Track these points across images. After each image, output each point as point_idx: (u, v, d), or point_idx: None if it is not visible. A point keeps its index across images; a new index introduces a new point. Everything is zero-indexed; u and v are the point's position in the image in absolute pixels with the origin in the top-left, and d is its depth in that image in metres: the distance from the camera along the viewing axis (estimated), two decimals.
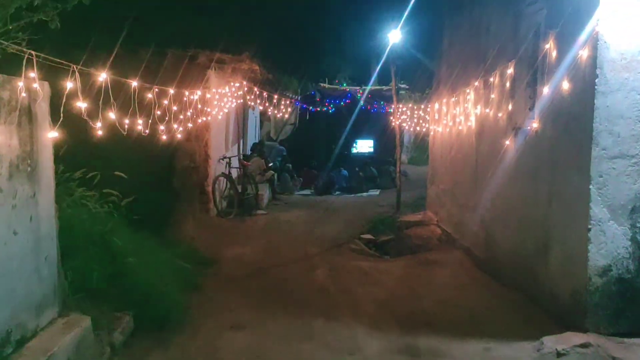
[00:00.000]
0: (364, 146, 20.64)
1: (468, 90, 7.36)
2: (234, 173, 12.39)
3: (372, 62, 26.84)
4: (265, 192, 13.17)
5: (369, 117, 22.15)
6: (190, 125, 7.65)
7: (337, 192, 16.15)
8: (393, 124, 13.00)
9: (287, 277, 7.23)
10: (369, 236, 10.40)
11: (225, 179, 11.01)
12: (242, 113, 15.04)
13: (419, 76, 21.41)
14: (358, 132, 21.92)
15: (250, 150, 16.14)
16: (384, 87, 19.88)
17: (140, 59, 9.13)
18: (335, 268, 7.60)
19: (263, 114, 21.29)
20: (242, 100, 11.69)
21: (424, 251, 8.58)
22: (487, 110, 6.67)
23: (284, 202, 14.13)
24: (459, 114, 7.87)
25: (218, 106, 10.05)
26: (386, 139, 20.33)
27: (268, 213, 12.26)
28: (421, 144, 26.78)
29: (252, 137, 17.80)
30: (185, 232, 8.56)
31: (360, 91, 18.97)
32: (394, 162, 17.92)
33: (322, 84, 19.81)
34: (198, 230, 9.02)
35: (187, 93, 7.22)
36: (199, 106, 8.37)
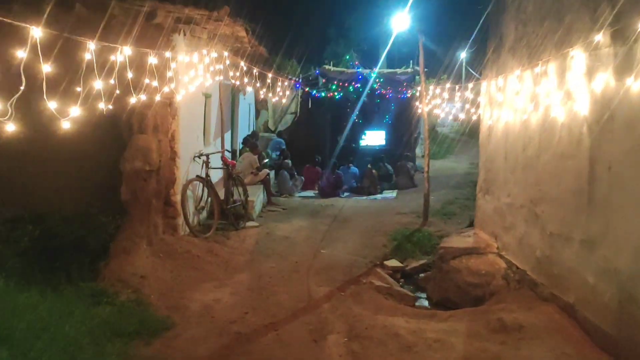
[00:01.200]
0: (374, 138, 17.75)
1: (573, 54, 4.48)
2: (216, 175, 9.51)
3: (380, 46, 23.92)
4: (258, 197, 10.32)
5: (380, 104, 19.26)
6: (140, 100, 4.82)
7: (346, 194, 13.29)
8: (418, 110, 10.13)
9: (283, 357, 4.39)
10: (395, 263, 7.56)
11: (202, 184, 8.15)
12: (231, 98, 12.13)
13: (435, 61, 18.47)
14: (367, 122, 19.03)
15: (242, 144, 13.28)
16: (398, 70, 16.94)
17: (74, 17, 6.29)
18: (357, 334, 4.75)
19: (259, 102, 18.51)
20: (222, 78, 8.80)
21: (485, 297, 5.73)
22: (623, 81, 3.81)
23: (282, 207, 11.27)
24: (549, 93, 4.99)
25: (190, 84, 7.18)
26: (400, 130, 17.51)
27: (260, 225, 9.42)
28: (434, 134, 23.96)
29: (246, 128, 14.92)
30: (132, 269, 5.72)
31: (373, 74, 16.04)
32: (412, 157, 15.06)
33: (326, 66, 16.87)
34: (155, 263, 6.16)
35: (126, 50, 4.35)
36: (157, 83, 5.52)
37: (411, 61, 17.92)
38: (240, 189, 9.34)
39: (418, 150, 18.45)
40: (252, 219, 9.47)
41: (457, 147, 24.72)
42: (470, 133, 29.36)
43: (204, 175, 8.09)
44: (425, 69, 17.29)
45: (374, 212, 11.06)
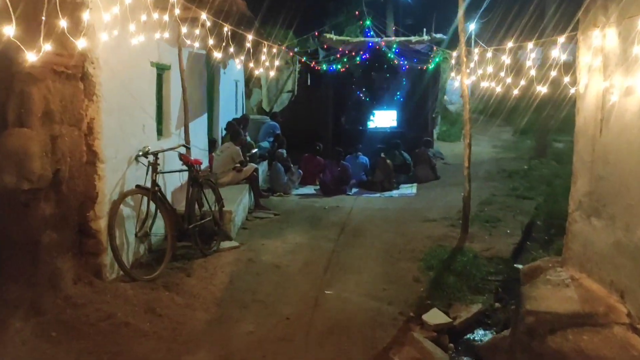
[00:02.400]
0: (384, 119, 14.97)
1: None
2: (173, 181, 6.80)
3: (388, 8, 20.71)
4: (239, 203, 7.64)
5: (390, 80, 16.45)
6: None
7: (354, 190, 10.57)
8: (454, 82, 7.42)
9: None
10: (438, 316, 4.87)
11: (146, 197, 5.42)
12: (207, 73, 9.35)
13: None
14: (375, 100, 16.23)
15: (225, 131, 10.55)
16: (413, 38, 14.05)
17: None
18: None
19: (251, 80, 15.73)
20: (193, 44, 6.07)
21: None
22: None
23: (273, 212, 8.57)
24: None
25: (124, 45, 4.45)
26: (414, 109, 14.73)
27: (242, 245, 6.75)
28: (445, 113, 21.09)
29: (231, 111, 12.16)
30: None
31: (393, 44, 13.12)
32: (431, 143, 12.31)
33: (327, 35, 13.98)
34: (37, 353, 3.51)
35: None
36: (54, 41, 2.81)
37: (424, 29, 15.05)
38: (213, 197, 6.64)
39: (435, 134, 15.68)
40: (229, 237, 6.79)
41: (473, 127, 21.87)
42: (492, 111, 26.67)
43: (150, 184, 5.37)
44: (440, 35, 14.52)
45: (394, 218, 8.35)
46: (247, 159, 9.64)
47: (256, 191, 8.82)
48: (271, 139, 12.50)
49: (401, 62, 13.21)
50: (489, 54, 6.89)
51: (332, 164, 10.49)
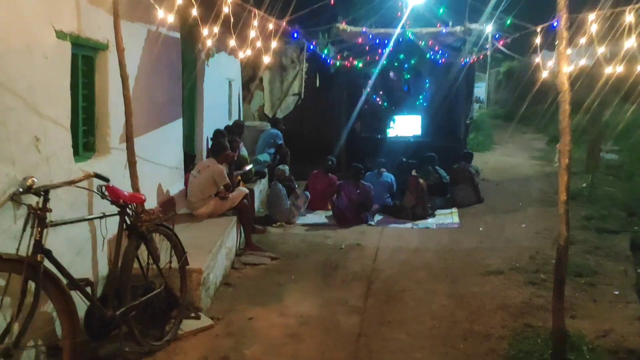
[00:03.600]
0: (406, 126, 12.46)
1: None
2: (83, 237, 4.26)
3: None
4: (218, 251, 5.16)
5: (413, 80, 13.94)
6: None
7: (377, 217, 8.04)
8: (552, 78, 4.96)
9: None
10: None
11: (19, 275, 2.88)
12: (178, 62, 6.83)
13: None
14: (394, 105, 13.73)
15: (212, 139, 8.07)
16: (444, 29, 11.50)
17: None
18: None
19: (252, 81, 13.36)
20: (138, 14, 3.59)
21: None
22: None
23: (270, 255, 6.06)
24: None
25: None
26: (444, 115, 12.23)
27: (216, 323, 4.27)
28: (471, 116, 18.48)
29: (221, 118, 9.68)
30: None
31: (410, 34, 10.59)
32: (471, 156, 9.75)
33: (339, 25, 11.47)
34: None
35: None
36: None
37: (450, 22, 12.52)
38: (169, 249, 4.13)
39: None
40: (196, 311, 4.28)
41: (495, 134, 19.40)
42: (508, 115, 24.02)
43: (25, 251, 2.85)
44: (475, 25, 12.01)
45: (440, 268, 5.78)
46: (239, 179, 7.16)
47: (247, 225, 6.32)
48: (272, 151, 10.04)
49: (435, 53, 10.68)
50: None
51: (349, 184, 7.96)
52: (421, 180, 8.06)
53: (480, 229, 7.30)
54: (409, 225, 7.69)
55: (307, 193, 8.01)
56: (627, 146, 13.24)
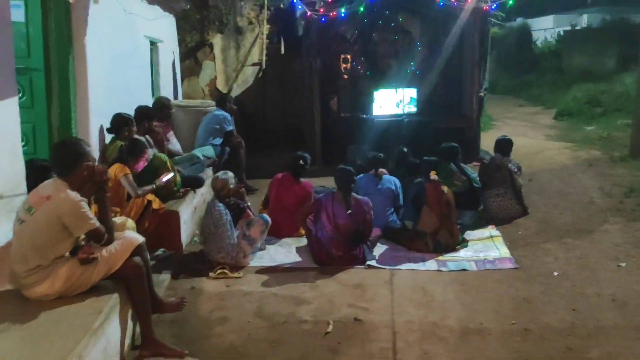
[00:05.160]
0: (396, 103, 9.35)
1: None
2: None
3: None
4: None
5: (401, 42, 10.68)
6: None
7: (381, 248, 4.97)
8: None
9: None
10: None
11: None
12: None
13: None
14: (380, 75, 10.46)
15: (110, 132, 4.84)
16: None
17: None
18: None
19: (200, 48, 10.22)
20: None
21: None
22: None
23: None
24: None
25: None
26: (446, 87, 9.23)
27: None
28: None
29: (131, 95, 6.40)
30: None
31: None
32: (510, 146, 6.60)
33: None
34: None
35: None
36: None
37: None
38: None
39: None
40: None
41: (487, 108, 16.44)
42: (492, 86, 21.01)
43: None
44: None
45: None
46: (148, 200, 4.03)
47: (142, 309, 3.16)
48: (218, 142, 6.90)
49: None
50: None
51: (334, 200, 4.80)
52: (445, 189, 5.00)
53: (555, 273, 4.30)
54: (432, 264, 4.64)
55: (266, 217, 4.81)
56: None
